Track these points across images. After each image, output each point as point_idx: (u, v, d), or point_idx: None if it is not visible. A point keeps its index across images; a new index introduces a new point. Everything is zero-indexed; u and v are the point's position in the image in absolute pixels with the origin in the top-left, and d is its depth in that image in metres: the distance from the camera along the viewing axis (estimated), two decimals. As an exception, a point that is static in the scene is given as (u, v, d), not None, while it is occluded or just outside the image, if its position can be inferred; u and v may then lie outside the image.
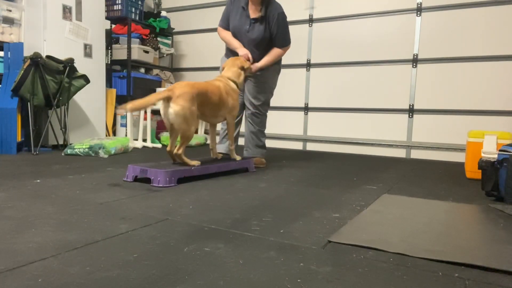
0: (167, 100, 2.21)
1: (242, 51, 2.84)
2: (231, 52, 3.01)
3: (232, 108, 2.61)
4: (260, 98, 2.97)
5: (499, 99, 3.77)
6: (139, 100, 2.14)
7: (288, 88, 4.76)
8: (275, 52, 2.90)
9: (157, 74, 5.19)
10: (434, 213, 1.69)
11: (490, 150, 2.60)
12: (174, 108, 2.20)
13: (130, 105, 2.11)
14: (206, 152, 3.33)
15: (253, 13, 2.84)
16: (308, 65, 4.67)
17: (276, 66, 3.02)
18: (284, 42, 2.92)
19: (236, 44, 2.90)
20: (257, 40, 2.86)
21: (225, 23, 2.99)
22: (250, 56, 2.82)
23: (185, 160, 2.35)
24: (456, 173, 3.04)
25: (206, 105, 2.40)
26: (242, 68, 2.71)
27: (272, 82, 3.03)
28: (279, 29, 2.85)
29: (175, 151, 2.33)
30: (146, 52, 4.89)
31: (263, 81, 2.95)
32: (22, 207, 1.55)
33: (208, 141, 4.97)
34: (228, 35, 2.98)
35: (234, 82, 2.66)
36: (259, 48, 2.90)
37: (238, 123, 3.12)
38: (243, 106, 3.09)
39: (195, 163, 2.38)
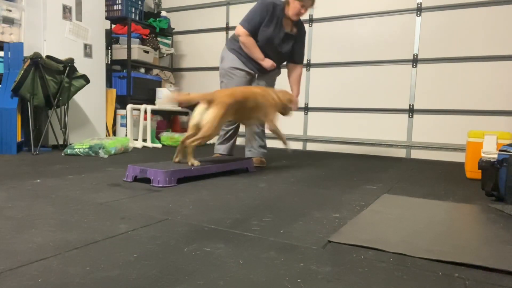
0: (208, 102, 2.34)
1: (267, 62, 2.86)
2: (246, 55, 2.93)
3: (266, 113, 2.65)
4: None
5: (499, 99, 3.77)
6: (186, 95, 2.39)
7: (288, 88, 4.74)
8: (298, 74, 3.02)
9: (157, 74, 5.19)
10: (434, 213, 1.69)
11: (490, 150, 2.60)
12: (211, 112, 2.32)
13: (178, 97, 2.46)
14: (206, 153, 3.33)
15: (287, 26, 2.86)
16: (308, 65, 4.67)
17: (277, 70, 3.07)
18: (303, 57, 3.04)
19: (260, 56, 2.84)
20: (286, 54, 2.93)
21: (253, 29, 2.79)
22: (275, 65, 2.90)
23: (190, 156, 2.36)
24: (456, 173, 3.04)
25: (241, 111, 2.49)
26: (284, 106, 2.74)
27: (274, 83, 3.11)
28: (302, 45, 2.98)
29: (189, 141, 2.36)
30: (146, 52, 4.89)
31: (269, 82, 3.02)
32: (22, 207, 1.55)
33: (208, 142, 4.96)
34: (252, 42, 2.82)
35: (280, 99, 2.70)
36: (280, 62, 2.99)
37: (239, 125, 3.12)
38: None
39: (196, 163, 2.38)
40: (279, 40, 2.84)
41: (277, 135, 2.73)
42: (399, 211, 1.70)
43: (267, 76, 3.00)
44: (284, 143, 2.81)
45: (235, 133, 3.10)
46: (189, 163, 2.33)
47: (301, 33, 2.95)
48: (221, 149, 3.06)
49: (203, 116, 2.32)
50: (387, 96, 4.26)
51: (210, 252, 1.12)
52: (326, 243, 1.25)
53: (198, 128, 2.34)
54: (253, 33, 2.81)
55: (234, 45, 2.94)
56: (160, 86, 5.07)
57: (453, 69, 3.96)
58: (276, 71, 3.04)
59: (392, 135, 4.26)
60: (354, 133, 4.46)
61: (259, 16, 2.78)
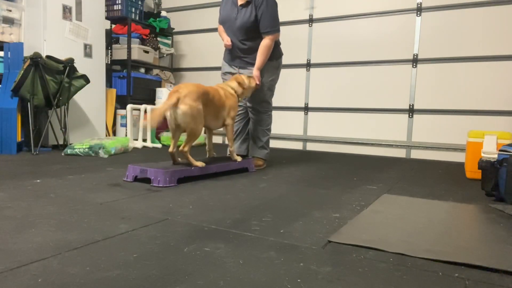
0: (176, 101, 2.21)
1: (226, 39, 2.92)
2: (227, 53, 3.03)
3: (230, 109, 2.61)
4: (256, 95, 2.89)
5: (499, 99, 3.77)
6: (155, 112, 2.14)
7: (288, 88, 4.76)
8: (263, 45, 2.79)
9: (157, 74, 5.19)
10: (434, 213, 1.69)
11: (490, 150, 2.60)
12: (182, 108, 2.20)
13: (152, 121, 2.13)
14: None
15: (240, 0, 2.84)
16: (308, 65, 4.67)
17: (273, 62, 2.91)
18: (270, 26, 2.79)
19: (223, 36, 2.97)
20: (245, 26, 2.80)
21: (220, 18, 3.05)
22: (230, 43, 2.89)
23: (190, 159, 2.34)
24: (456, 173, 3.04)
25: (208, 106, 2.40)
26: (240, 84, 2.71)
27: (269, 77, 2.91)
28: (265, 12, 2.76)
29: (181, 148, 2.31)
30: (146, 52, 4.89)
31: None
32: (22, 207, 1.55)
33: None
34: (220, 30, 3.02)
35: (234, 89, 2.68)
36: (248, 36, 2.83)
37: (247, 124, 3.11)
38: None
39: (200, 164, 2.37)
40: (234, 15, 2.86)
41: (228, 133, 2.66)
42: (399, 211, 1.70)
43: (248, 72, 2.91)
44: (231, 146, 2.72)
45: (242, 132, 3.09)
46: (194, 165, 2.33)
47: (257, 2, 2.76)
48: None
49: (179, 116, 2.23)
50: (387, 96, 4.26)
51: (210, 252, 1.12)
52: (326, 243, 1.25)
53: (179, 128, 2.30)
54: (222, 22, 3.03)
55: (224, 51, 3.10)
56: (160, 86, 5.07)
57: (453, 69, 3.96)
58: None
59: (392, 135, 4.26)
60: (354, 133, 4.46)
61: (221, 3, 3.06)
